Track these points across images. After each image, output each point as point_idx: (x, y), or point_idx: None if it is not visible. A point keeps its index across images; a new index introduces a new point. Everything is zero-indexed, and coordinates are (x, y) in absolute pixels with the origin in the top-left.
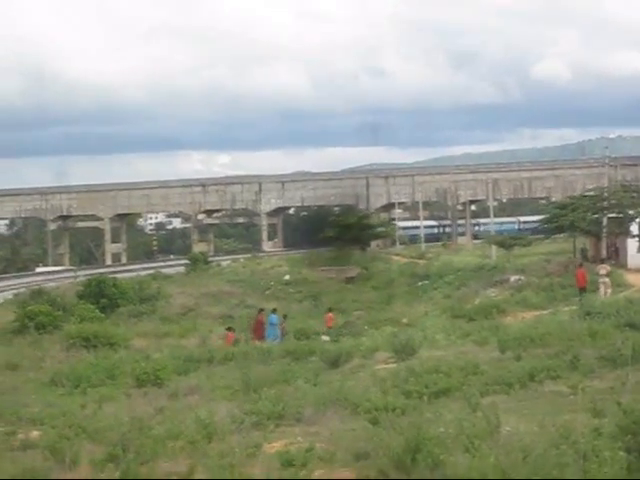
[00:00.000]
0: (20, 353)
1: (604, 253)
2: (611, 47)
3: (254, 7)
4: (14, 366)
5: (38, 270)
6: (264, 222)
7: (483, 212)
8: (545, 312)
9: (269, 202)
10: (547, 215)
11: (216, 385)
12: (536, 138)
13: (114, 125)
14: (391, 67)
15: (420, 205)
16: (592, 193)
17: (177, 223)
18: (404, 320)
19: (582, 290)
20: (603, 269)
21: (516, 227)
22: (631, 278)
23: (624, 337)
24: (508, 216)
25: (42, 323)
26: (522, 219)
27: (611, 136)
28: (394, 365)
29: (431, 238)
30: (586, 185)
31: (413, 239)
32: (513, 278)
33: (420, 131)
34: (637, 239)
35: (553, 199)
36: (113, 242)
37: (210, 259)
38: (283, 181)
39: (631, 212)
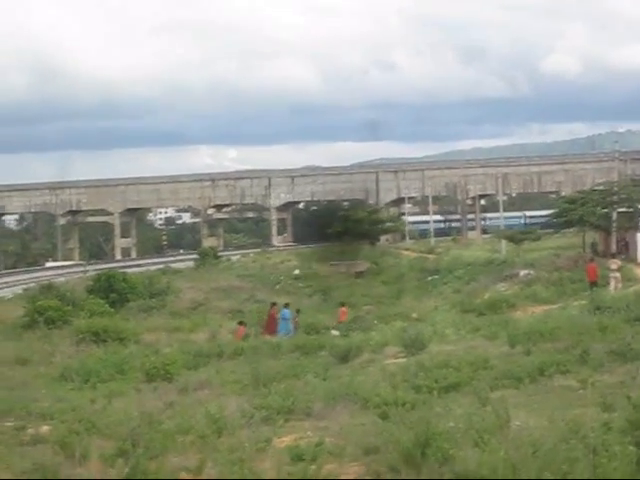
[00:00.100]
0: (30, 348)
1: (614, 247)
2: (621, 41)
3: (262, 1)
4: (24, 361)
5: (48, 265)
6: (274, 217)
7: (493, 206)
8: (555, 306)
9: (279, 197)
10: (556, 209)
11: (226, 380)
12: (545, 132)
13: (122, 120)
14: (400, 61)
15: (430, 200)
16: (602, 187)
17: (187, 218)
18: (414, 315)
19: (593, 284)
20: (614, 264)
21: (522, 222)
22: None
23: (634, 331)
24: (518, 210)
25: (52, 318)
26: (528, 214)
27: (621, 130)
28: (404, 360)
29: (439, 233)
30: (596, 179)
31: (423, 234)
32: (523, 272)
33: (430, 126)
34: None
35: (563, 193)
36: (123, 237)
37: (220, 254)
38: (293, 176)
39: None
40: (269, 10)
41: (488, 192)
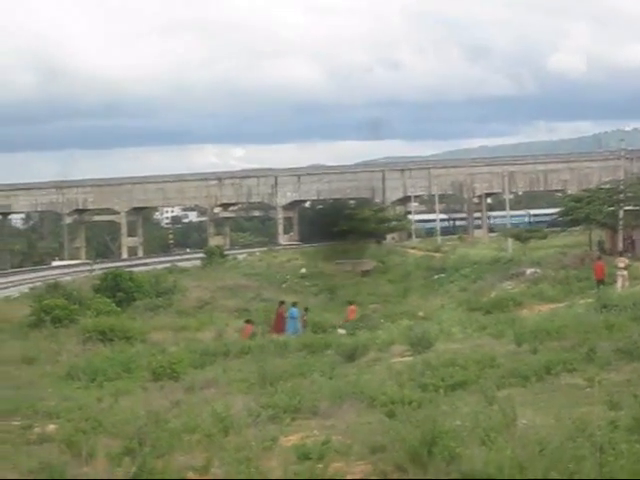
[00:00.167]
0: (36, 347)
1: (620, 246)
2: (627, 39)
3: (266, 0)
4: (30, 360)
5: (54, 264)
6: (280, 215)
7: (499, 205)
8: (561, 305)
9: (285, 195)
10: (562, 208)
11: (232, 378)
12: (552, 131)
13: (127, 119)
14: (405, 59)
15: (436, 198)
16: (608, 186)
17: (193, 217)
18: (420, 313)
19: (600, 283)
20: (622, 262)
21: (526, 220)
22: None
23: None
24: (524, 209)
25: (58, 317)
26: (532, 212)
27: (627, 128)
28: (410, 358)
29: (445, 231)
30: (602, 178)
31: (429, 232)
32: (529, 271)
33: (435, 124)
34: None
35: (569, 192)
36: (129, 236)
37: (226, 252)
38: (299, 174)
39: None
40: (273, 9)
41: (494, 190)
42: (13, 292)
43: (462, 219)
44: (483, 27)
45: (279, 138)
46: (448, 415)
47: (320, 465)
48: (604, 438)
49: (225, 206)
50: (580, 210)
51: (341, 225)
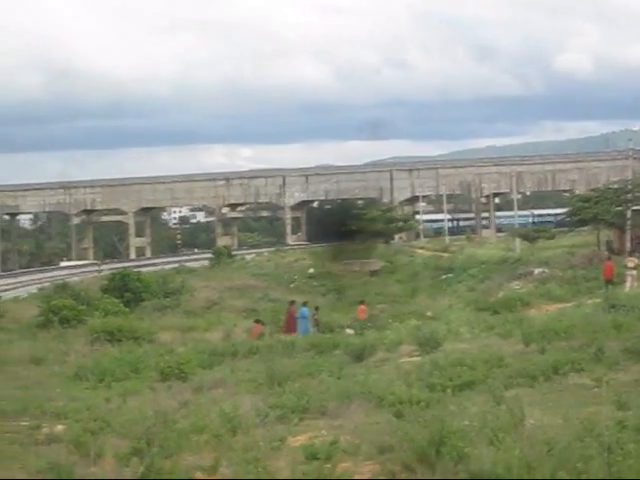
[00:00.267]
0: (44, 347)
1: (629, 245)
2: (634, 38)
3: (275, 0)
4: (38, 360)
5: (62, 264)
6: (288, 216)
7: (507, 205)
8: (569, 305)
9: (293, 196)
10: (570, 208)
11: (240, 379)
12: (559, 130)
13: (134, 119)
14: (412, 60)
15: (444, 198)
16: (616, 186)
17: (201, 217)
18: (428, 313)
19: (608, 282)
20: (631, 262)
21: (530, 220)
22: None
23: None
24: (533, 209)
25: (66, 317)
26: (536, 212)
27: (635, 128)
28: (418, 358)
29: (454, 231)
30: (610, 177)
31: (437, 232)
32: (537, 271)
33: (443, 124)
34: None
35: (577, 192)
36: (137, 236)
37: (234, 253)
38: (307, 174)
39: None
40: (281, 9)
41: (502, 190)
42: (21, 292)
43: (468, 219)
44: (490, 27)
45: (287, 138)
46: (456, 415)
47: (328, 465)
48: (612, 438)
49: (233, 206)
50: (588, 210)
51: (349, 225)
